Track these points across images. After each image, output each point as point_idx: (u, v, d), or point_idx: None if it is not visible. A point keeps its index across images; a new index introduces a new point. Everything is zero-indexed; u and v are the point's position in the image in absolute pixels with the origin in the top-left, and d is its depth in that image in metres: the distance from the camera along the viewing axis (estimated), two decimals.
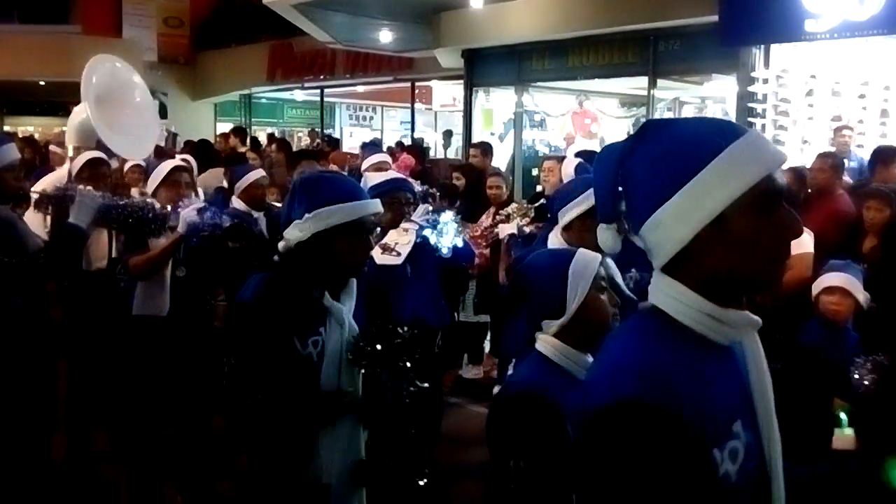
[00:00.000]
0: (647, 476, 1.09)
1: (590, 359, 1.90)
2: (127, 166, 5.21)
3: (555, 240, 2.93)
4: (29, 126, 16.81)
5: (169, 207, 3.68)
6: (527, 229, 5.16)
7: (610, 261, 2.38)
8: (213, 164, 7.29)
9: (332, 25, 11.94)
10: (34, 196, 3.64)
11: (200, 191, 4.73)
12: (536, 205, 5.41)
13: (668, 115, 11.05)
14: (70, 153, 4.79)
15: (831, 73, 7.68)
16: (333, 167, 7.31)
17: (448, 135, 14.25)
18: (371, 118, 19.54)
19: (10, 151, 3.32)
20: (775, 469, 1.24)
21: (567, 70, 10.64)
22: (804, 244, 4.52)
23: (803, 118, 7.85)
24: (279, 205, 4.39)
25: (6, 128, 16.20)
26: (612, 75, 10.44)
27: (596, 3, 9.33)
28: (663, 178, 1.19)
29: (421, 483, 2.24)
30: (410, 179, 4.90)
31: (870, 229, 4.65)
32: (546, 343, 1.98)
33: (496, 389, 2.40)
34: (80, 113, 4.83)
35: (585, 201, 2.79)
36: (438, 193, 5.43)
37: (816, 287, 3.71)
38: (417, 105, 15.80)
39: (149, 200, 3.75)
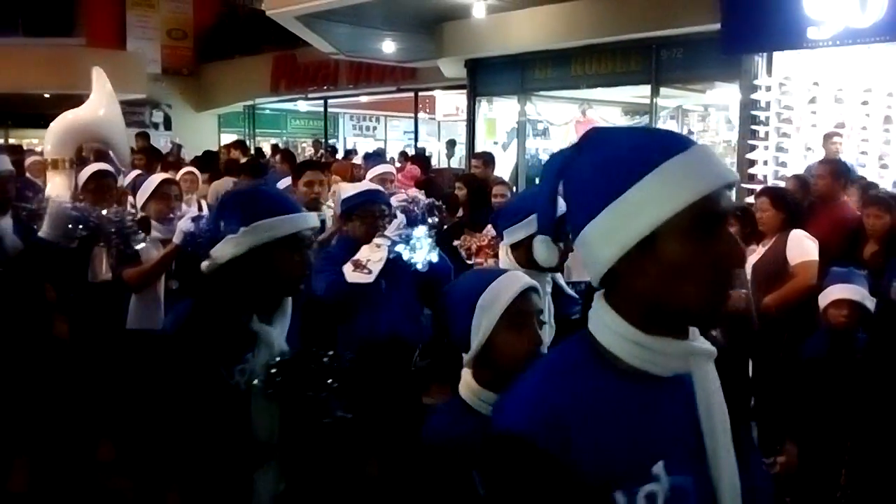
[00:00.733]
0: None
1: None
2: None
3: (505, 259, 2.71)
4: (34, 138, 16.85)
5: (152, 220, 3.68)
6: None
7: (550, 287, 2.22)
8: (218, 175, 7.32)
9: (335, 36, 11.99)
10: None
11: (204, 202, 4.75)
12: None
13: (672, 123, 11.07)
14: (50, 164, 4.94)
15: (834, 80, 7.67)
16: (336, 178, 7.30)
17: (451, 144, 14.27)
18: (374, 128, 19.60)
19: (3, 163, 3.50)
20: None
21: (570, 79, 10.65)
22: (809, 252, 4.54)
23: (806, 125, 7.84)
24: None
25: (11, 140, 16.25)
26: (614, 84, 10.47)
27: (598, 12, 9.34)
28: (595, 193, 1.10)
29: None
30: (414, 190, 4.86)
31: (871, 236, 4.68)
32: (463, 383, 1.80)
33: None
34: (58, 122, 4.99)
35: (533, 223, 2.48)
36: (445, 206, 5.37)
37: (824, 299, 3.69)
38: (421, 115, 15.84)
39: (121, 209, 3.74)
